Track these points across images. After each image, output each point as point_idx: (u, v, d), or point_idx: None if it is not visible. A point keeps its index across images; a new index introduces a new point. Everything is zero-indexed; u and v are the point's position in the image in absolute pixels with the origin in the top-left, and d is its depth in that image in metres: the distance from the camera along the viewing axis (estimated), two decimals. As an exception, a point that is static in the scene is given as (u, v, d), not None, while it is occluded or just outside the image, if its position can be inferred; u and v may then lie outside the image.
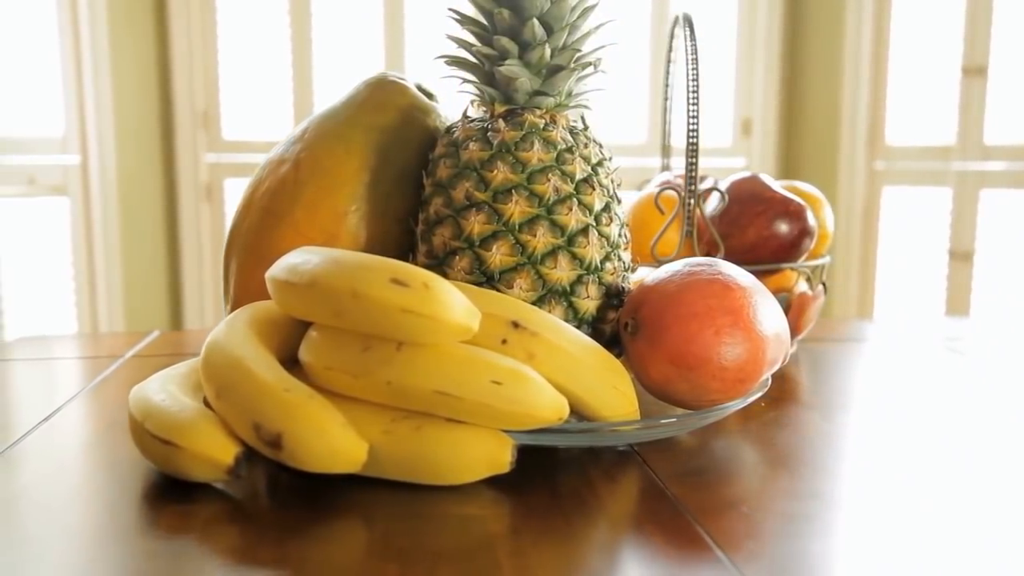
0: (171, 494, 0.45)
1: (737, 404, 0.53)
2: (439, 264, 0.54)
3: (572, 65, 0.55)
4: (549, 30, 0.54)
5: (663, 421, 0.51)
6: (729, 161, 2.80)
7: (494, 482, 0.46)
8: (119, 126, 2.38)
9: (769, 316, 0.53)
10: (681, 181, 0.86)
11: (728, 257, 0.73)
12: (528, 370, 0.45)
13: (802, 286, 0.77)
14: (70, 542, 0.39)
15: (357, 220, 0.58)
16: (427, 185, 0.56)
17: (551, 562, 0.37)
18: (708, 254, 0.72)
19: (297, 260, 0.47)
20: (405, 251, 0.59)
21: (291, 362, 0.51)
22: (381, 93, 0.60)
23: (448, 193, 0.54)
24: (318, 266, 0.45)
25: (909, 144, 2.56)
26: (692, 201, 0.70)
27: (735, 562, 0.37)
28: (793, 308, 0.75)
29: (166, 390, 0.48)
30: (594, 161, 0.55)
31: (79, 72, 2.30)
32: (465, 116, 0.58)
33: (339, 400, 0.47)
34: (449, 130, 0.57)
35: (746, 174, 0.76)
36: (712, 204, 0.75)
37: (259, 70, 2.59)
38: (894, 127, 2.58)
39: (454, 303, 0.44)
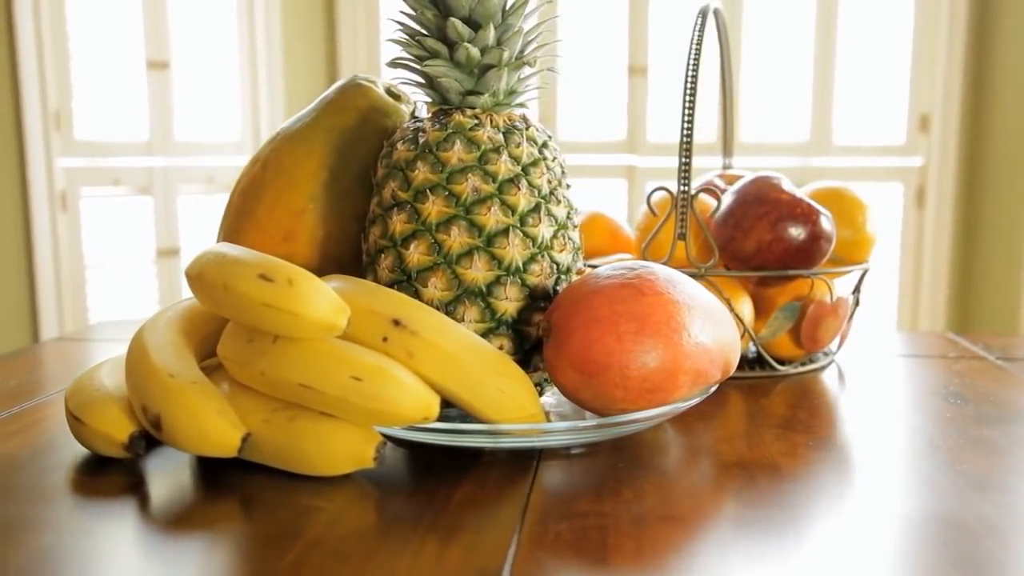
0: (85, 467, 0.49)
1: (657, 413, 0.50)
2: (372, 262, 0.56)
3: (502, 63, 0.54)
4: (476, 28, 0.54)
5: (548, 428, 0.50)
6: (903, 160, 2.60)
7: (372, 477, 0.47)
8: (288, 130, 2.57)
9: (696, 326, 0.50)
10: (720, 182, 0.82)
11: (731, 262, 0.69)
12: (394, 368, 0.45)
13: (828, 295, 0.71)
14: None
15: (315, 218, 0.60)
16: (373, 185, 0.58)
17: (329, 558, 0.37)
18: (703, 258, 0.69)
19: (200, 253, 0.49)
20: (363, 249, 0.61)
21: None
22: (344, 95, 0.62)
23: (380, 193, 0.55)
24: (208, 260, 0.48)
25: (1117, 140, 2.26)
26: (684, 203, 0.67)
27: None
28: (808, 319, 0.69)
29: (99, 373, 0.52)
30: (526, 161, 0.54)
31: (255, 82, 2.51)
32: (412, 117, 0.58)
33: (239, 388, 0.49)
34: (394, 131, 0.58)
35: (761, 174, 0.71)
36: (718, 206, 0.70)
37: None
38: (1098, 121, 2.29)
39: (317, 300, 0.45)
